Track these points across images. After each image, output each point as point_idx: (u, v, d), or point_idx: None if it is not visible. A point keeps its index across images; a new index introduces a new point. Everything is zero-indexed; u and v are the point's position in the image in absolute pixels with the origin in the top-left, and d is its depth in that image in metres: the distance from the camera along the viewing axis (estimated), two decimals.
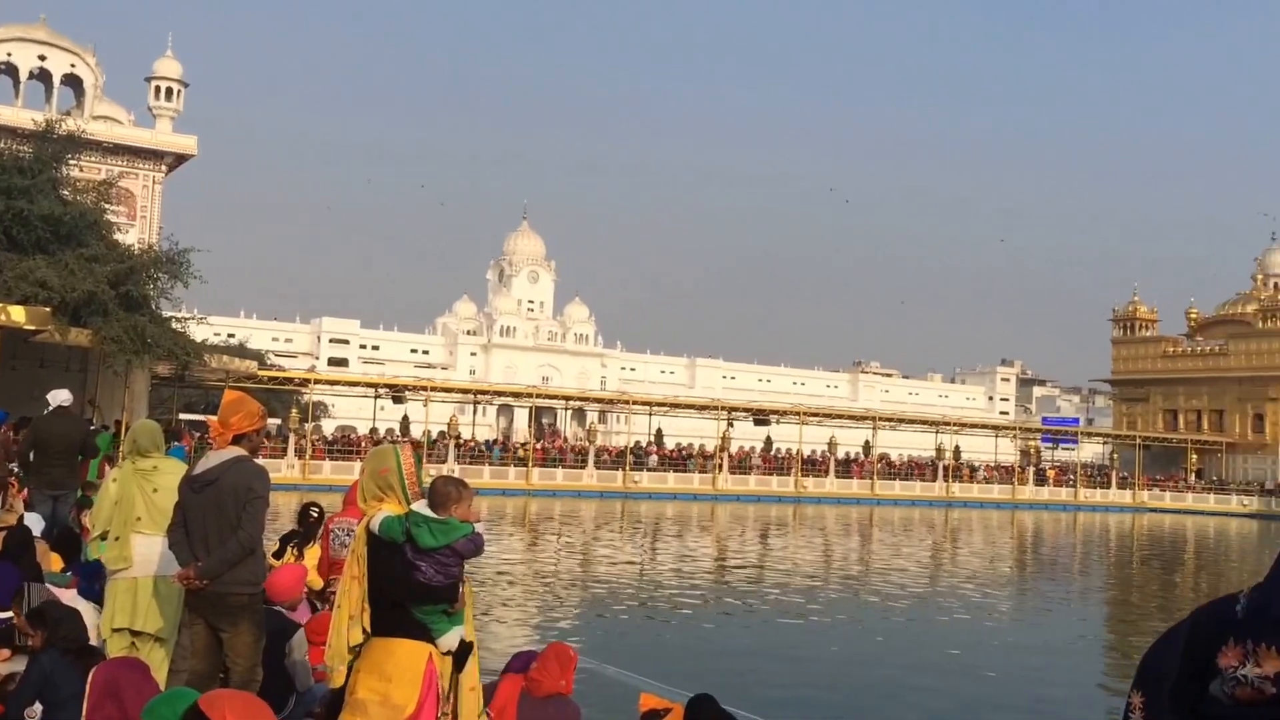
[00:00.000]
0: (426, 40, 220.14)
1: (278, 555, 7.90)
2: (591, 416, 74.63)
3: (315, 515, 8.27)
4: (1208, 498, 64.86)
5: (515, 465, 49.26)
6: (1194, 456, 69.37)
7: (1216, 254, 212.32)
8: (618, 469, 50.78)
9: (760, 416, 58.29)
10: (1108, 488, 64.49)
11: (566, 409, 65.35)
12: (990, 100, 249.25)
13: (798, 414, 57.76)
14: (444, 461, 46.82)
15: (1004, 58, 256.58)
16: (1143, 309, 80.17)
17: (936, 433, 61.88)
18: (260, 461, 5.45)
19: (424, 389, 51.75)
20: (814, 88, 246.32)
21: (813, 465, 56.16)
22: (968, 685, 12.53)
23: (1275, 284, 79.76)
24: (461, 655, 4.21)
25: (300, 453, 45.24)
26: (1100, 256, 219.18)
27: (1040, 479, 62.73)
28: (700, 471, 52.91)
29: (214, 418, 5.40)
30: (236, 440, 5.16)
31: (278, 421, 50.36)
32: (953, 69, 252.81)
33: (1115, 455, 72.00)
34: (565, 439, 60.02)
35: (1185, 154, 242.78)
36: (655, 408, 58.27)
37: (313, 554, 7.82)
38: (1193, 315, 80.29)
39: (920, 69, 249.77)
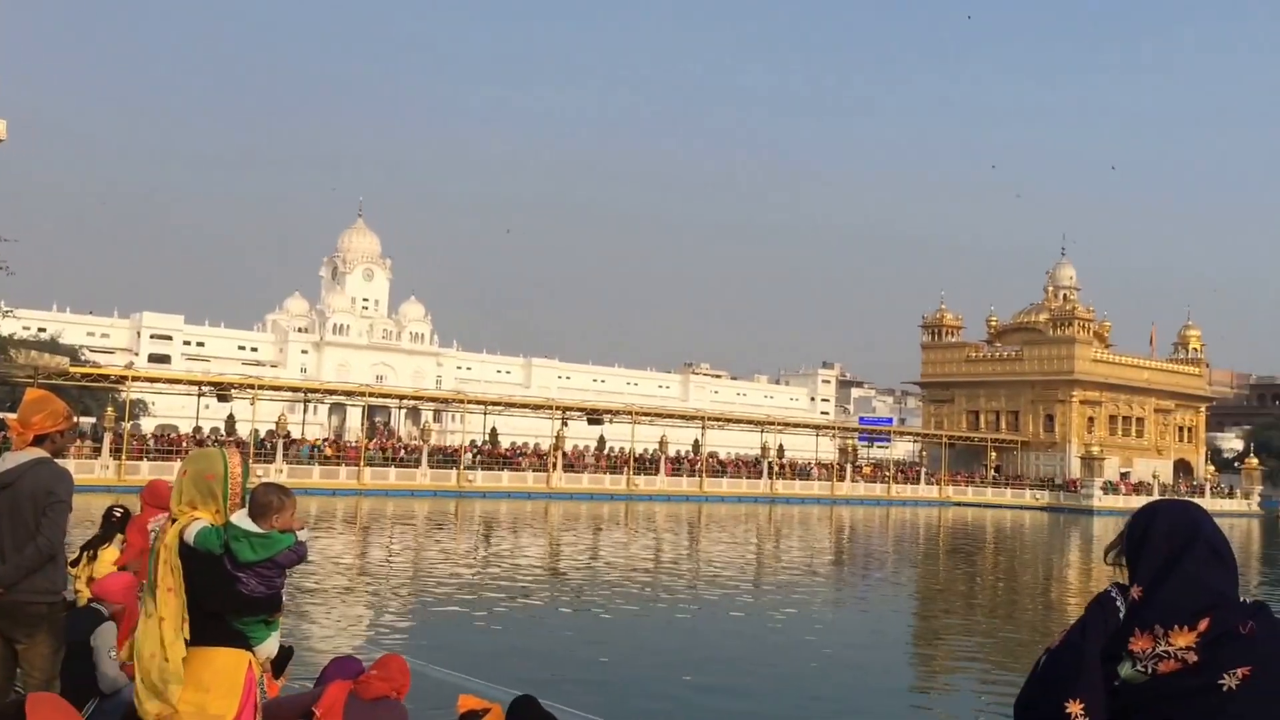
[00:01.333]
0: (258, 33, 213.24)
1: (74, 564, 6.95)
2: (426, 416, 74.80)
3: (119, 516, 7.61)
4: (1005, 492, 70.01)
5: (346, 465, 49.22)
6: (993, 454, 74.68)
7: (1014, 266, 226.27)
8: (452, 468, 51.51)
9: (594, 416, 59.93)
10: (917, 483, 68.89)
11: (401, 408, 65.43)
12: (809, 108, 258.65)
13: (630, 414, 59.59)
14: (271, 461, 46.46)
15: (812, 69, 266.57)
16: (949, 316, 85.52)
17: (762, 432, 64.87)
18: (68, 463, 5.25)
19: (251, 387, 50.98)
20: (642, 90, 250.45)
21: (645, 464, 58.19)
22: (790, 676, 13.27)
23: (1064, 295, 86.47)
24: (281, 662, 4.16)
25: (116, 453, 43.86)
26: (913, 266, 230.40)
27: (856, 475, 66.60)
28: (534, 470, 54.13)
29: (14, 416, 5.12)
30: (38, 441, 4.83)
31: (92, 420, 48.91)
32: (773, 78, 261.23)
33: (924, 453, 76.73)
34: (399, 438, 60.24)
35: (988, 171, 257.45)
36: (491, 407, 59.13)
37: (109, 555, 7.27)
38: (993, 323, 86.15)
39: (735, 77, 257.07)
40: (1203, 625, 1.86)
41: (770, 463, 61.95)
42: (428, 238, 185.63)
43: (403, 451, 53.55)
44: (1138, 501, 67.11)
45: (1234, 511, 69.36)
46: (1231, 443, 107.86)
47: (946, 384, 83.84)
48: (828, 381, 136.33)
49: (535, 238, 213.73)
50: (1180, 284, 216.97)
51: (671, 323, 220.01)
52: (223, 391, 51.08)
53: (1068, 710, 1.90)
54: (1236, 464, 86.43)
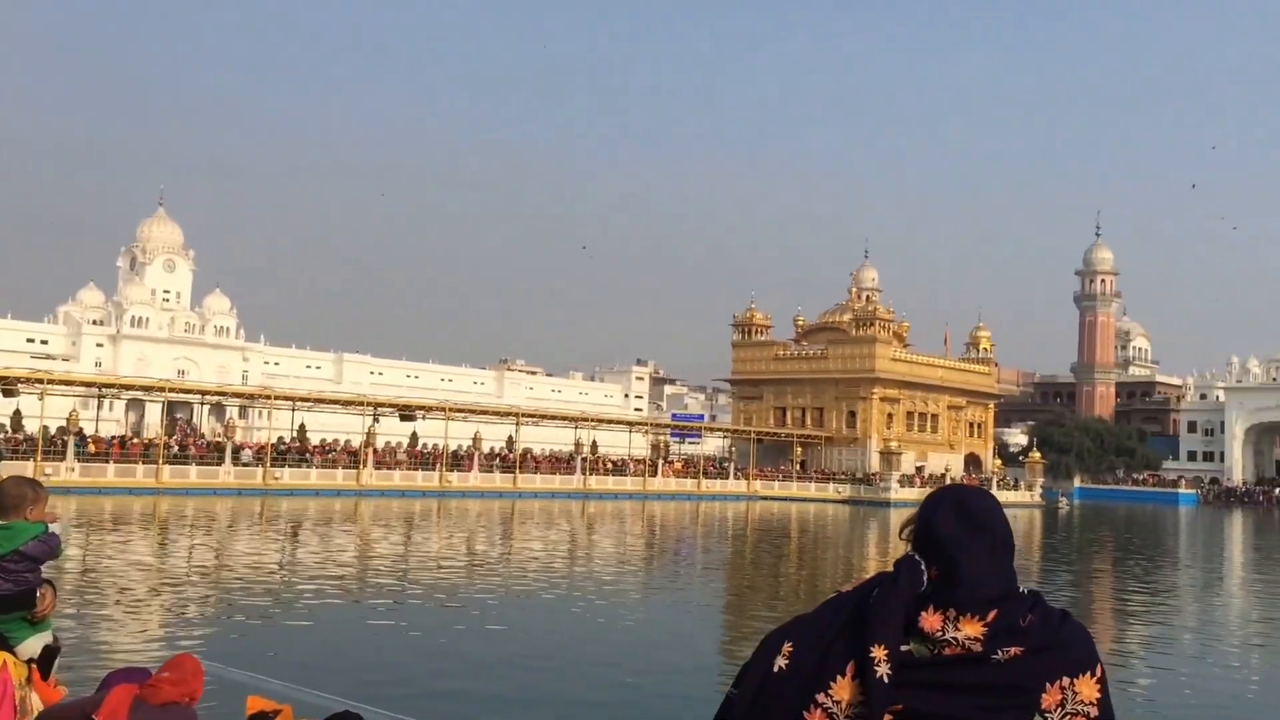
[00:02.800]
0: (56, 16, 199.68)
1: None
2: (231, 412, 71.84)
3: None
4: (809, 486, 72.58)
5: (144, 463, 46.98)
6: (799, 449, 77.32)
7: (821, 267, 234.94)
8: (258, 465, 49.81)
9: (406, 412, 58.94)
10: (726, 478, 70.65)
11: (204, 404, 62.66)
12: (623, 104, 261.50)
13: (444, 410, 58.90)
14: (63, 459, 44.29)
15: (627, 62, 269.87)
16: (758, 316, 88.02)
17: (576, 428, 65.22)
18: None
19: (40, 381, 47.94)
20: (459, 82, 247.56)
21: (458, 460, 57.62)
22: (596, 668, 13.54)
23: (867, 296, 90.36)
24: (46, 661, 4.03)
25: None
26: (725, 266, 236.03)
27: (668, 470, 67.80)
28: (344, 467, 52.86)
29: None
30: None
31: None
32: (584, 71, 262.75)
33: (733, 448, 78.75)
34: (202, 435, 57.69)
35: (799, 171, 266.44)
36: (299, 403, 57.36)
37: None
38: (800, 322, 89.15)
39: (549, 71, 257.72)
40: (991, 616, 1.94)
41: (584, 459, 62.34)
42: (234, 229, 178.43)
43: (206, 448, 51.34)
44: None
45: (1018, 502, 74.08)
46: (1017, 438, 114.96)
47: (755, 381, 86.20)
48: (641, 379, 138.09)
49: (348, 231, 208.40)
50: (972, 286, 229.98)
51: (488, 319, 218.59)
52: (8, 386, 47.77)
53: (872, 654, 1.94)
54: (1021, 458, 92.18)
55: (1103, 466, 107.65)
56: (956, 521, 2.05)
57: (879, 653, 1.93)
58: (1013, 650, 1.91)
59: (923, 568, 2.02)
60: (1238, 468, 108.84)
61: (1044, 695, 1.89)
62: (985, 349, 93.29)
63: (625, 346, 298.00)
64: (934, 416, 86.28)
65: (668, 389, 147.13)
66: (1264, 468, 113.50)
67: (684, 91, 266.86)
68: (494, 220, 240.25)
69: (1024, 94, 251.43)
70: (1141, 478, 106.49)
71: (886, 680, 1.91)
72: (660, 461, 68.80)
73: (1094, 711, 1.89)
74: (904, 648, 1.95)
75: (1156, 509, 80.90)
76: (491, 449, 62.53)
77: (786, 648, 2.04)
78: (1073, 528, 55.77)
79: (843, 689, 1.95)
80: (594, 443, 66.12)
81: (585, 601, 19.31)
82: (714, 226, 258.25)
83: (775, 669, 2.02)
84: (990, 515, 2.09)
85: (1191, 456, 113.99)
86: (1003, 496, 74.93)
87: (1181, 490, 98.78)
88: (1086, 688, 1.90)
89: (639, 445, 72.34)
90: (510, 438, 64.00)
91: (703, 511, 54.38)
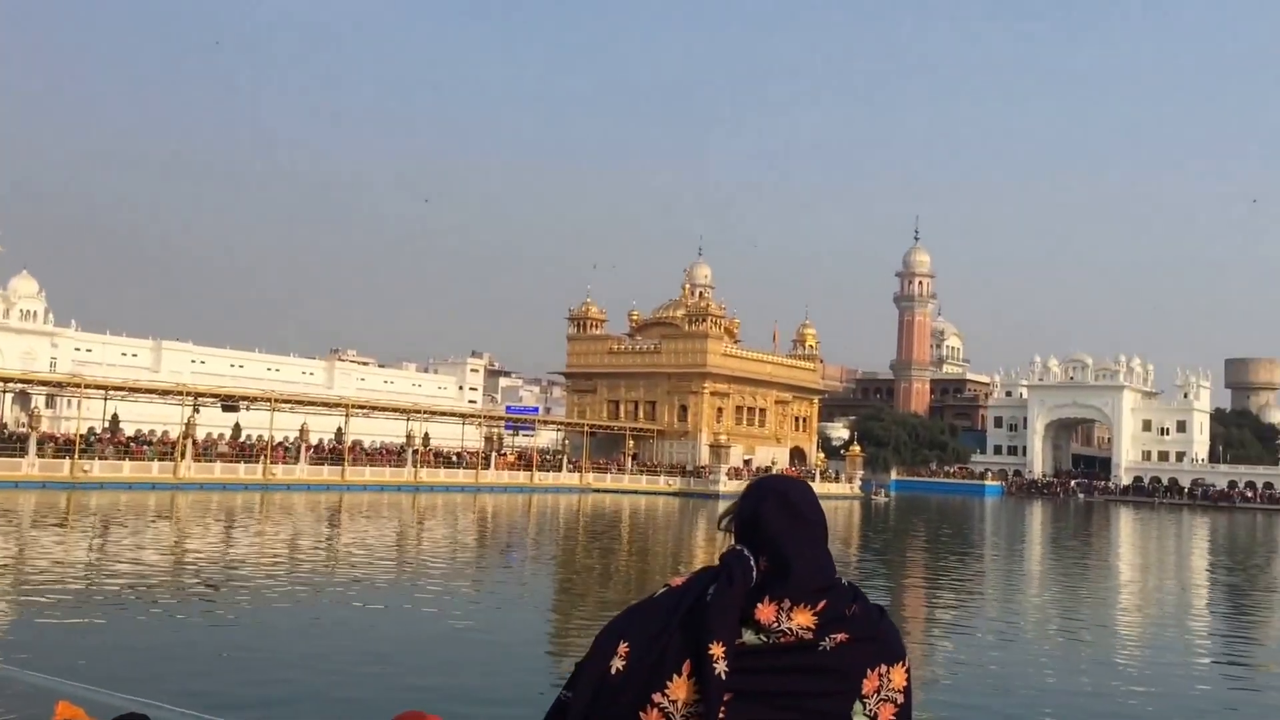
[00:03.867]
0: None
1: None
2: (37, 400, 67.74)
3: None
4: (641, 479, 73.56)
5: None
6: (631, 442, 78.21)
7: (656, 264, 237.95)
8: (65, 457, 47.27)
9: (229, 403, 56.83)
10: (559, 471, 70.87)
11: (6, 392, 58.85)
12: (458, 96, 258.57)
13: (269, 400, 57.11)
14: None
15: (463, 54, 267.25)
16: (594, 309, 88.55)
17: (408, 420, 64.26)
18: None
19: None
20: (290, 66, 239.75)
21: (284, 452, 55.94)
22: (421, 667, 13.46)
23: (700, 293, 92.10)
24: None
25: None
26: (561, 260, 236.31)
27: (501, 463, 67.55)
28: (161, 459, 50.68)
29: None
30: None
31: None
32: (413, 63, 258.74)
33: (567, 441, 79.04)
34: (4, 425, 54.24)
35: (633, 165, 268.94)
36: (112, 392, 54.62)
37: None
38: (634, 317, 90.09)
39: (382, 61, 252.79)
40: (820, 606, 2.03)
41: (415, 451, 61.53)
42: (44, 209, 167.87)
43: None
44: None
45: (839, 494, 76.87)
46: (839, 431, 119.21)
47: (590, 375, 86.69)
48: (476, 370, 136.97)
49: (168, 215, 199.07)
50: (801, 285, 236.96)
51: (318, 309, 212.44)
52: None
53: (710, 651, 1.97)
54: (842, 451, 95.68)
55: (917, 459, 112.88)
56: (782, 514, 2.13)
57: (717, 650, 1.98)
58: (839, 637, 2.03)
59: (751, 561, 2.09)
60: (1038, 461, 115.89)
61: (865, 681, 2.02)
62: (811, 346, 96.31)
63: (461, 338, 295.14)
64: (762, 411, 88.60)
65: (503, 381, 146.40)
66: (1061, 460, 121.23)
67: (522, 80, 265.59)
68: (324, 207, 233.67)
69: (851, 94, 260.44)
70: (952, 470, 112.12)
71: (724, 678, 1.97)
72: (494, 454, 68.48)
73: (901, 699, 2.04)
74: (739, 640, 2.02)
75: (965, 500, 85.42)
76: (320, 441, 60.95)
77: (622, 648, 2.06)
78: (889, 518, 58.33)
79: (679, 688, 2.00)
80: (426, 435, 65.23)
81: (411, 598, 19.19)
82: (551, 220, 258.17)
83: (612, 671, 2.06)
84: (812, 507, 2.18)
85: (998, 450, 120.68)
86: (824, 489, 77.74)
87: (988, 482, 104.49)
88: (898, 676, 2.05)
89: (472, 437, 71.78)
90: (339, 429, 62.50)
91: (535, 504, 54.48)
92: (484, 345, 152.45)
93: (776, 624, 2.03)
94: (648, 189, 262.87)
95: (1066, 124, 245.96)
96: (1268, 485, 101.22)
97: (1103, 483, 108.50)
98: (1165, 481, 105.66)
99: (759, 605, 2.04)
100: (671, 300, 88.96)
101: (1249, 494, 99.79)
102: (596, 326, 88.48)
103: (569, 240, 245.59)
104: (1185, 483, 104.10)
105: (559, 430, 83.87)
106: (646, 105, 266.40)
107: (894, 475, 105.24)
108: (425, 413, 67.30)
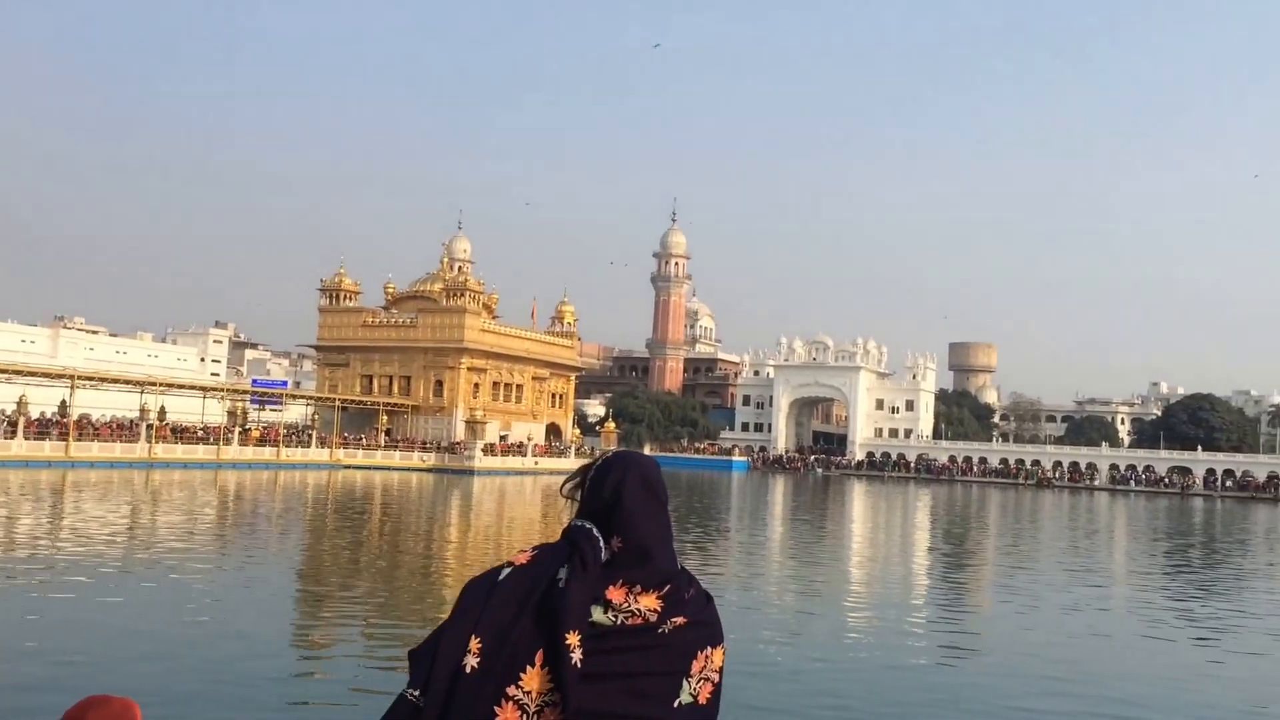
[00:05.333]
0: None
1: None
2: None
3: None
4: (394, 454, 72.15)
5: None
6: (385, 417, 76.60)
7: (414, 236, 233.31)
8: None
9: None
10: (308, 447, 68.50)
11: None
12: (229, 56, 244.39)
13: None
14: None
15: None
16: (348, 281, 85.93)
17: (142, 392, 60.40)
18: None
19: None
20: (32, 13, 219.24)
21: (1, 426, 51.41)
22: (164, 649, 13.09)
23: (459, 267, 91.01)
24: None
25: None
26: (314, 229, 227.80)
27: (245, 438, 64.63)
28: None
29: None
30: None
31: None
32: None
33: (317, 416, 76.52)
34: None
35: (388, 141, 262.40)
36: None
37: None
38: (390, 290, 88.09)
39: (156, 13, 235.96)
40: (665, 590, 2.12)
41: (150, 425, 57.90)
42: None
43: None
44: (513, 462, 73.54)
45: None
46: (595, 408, 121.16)
47: (342, 348, 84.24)
48: (220, 342, 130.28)
49: None
50: (560, 262, 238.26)
51: (42, 272, 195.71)
52: None
53: (567, 641, 1.99)
54: (598, 427, 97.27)
55: (670, 436, 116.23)
56: (644, 497, 2.17)
57: (573, 639, 2.01)
58: (678, 620, 2.12)
59: (601, 542, 2.12)
60: (782, 437, 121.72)
61: (694, 661, 2.12)
62: (570, 323, 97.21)
63: (204, 307, 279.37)
64: (519, 387, 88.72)
65: (249, 353, 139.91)
66: (803, 437, 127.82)
67: (293, 45, 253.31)
68: (49, 159, 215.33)
69: (613, 75, 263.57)
70: (702, 446, 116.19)
71: (579, 666, 2.00)
72: (237, 429, 65.35)
73: (717, 678, 2.16)
74: (590, 619, 2.05)
75: (714, 475, 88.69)
76: (42, 414, 56.38)
77: (475, 644, 2.03)
78: None
79: (533, 678, 2.01)
80: (163, 409, 61.46)
81: (140, 583, 18.14)
82: (302, 187, 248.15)
83: (467, 669, 2.03)
84: (664, 490, 2.23)
85: (745, 427, 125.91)
86: (578, 465, 78.65)
87: (735, 458, 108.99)
88: (718, 657, 2.17)
89: (214, 412, 68.21)
90: (64, 402, 58.01)
91: (282, 481, 52.46)
92: (229, 316, 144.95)
93: (625, 604, 2.08)
94: (406, 159, 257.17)
95: (816, 107, 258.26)
96: (982, 460, 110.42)
97: (840, 458, 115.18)
98: (894, 456, 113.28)
99: (610, 587, 2.09)
100: (429, 273, 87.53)
101: (966, 468, 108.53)
102: (351, 298, 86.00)
103: (323, 209, 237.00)
104: (911, 458, 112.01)
105: (309, 405, 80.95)
106: (400, 73, 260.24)
107: (647, 451, 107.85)
108: (161, 385, 63.40)
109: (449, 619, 2.11)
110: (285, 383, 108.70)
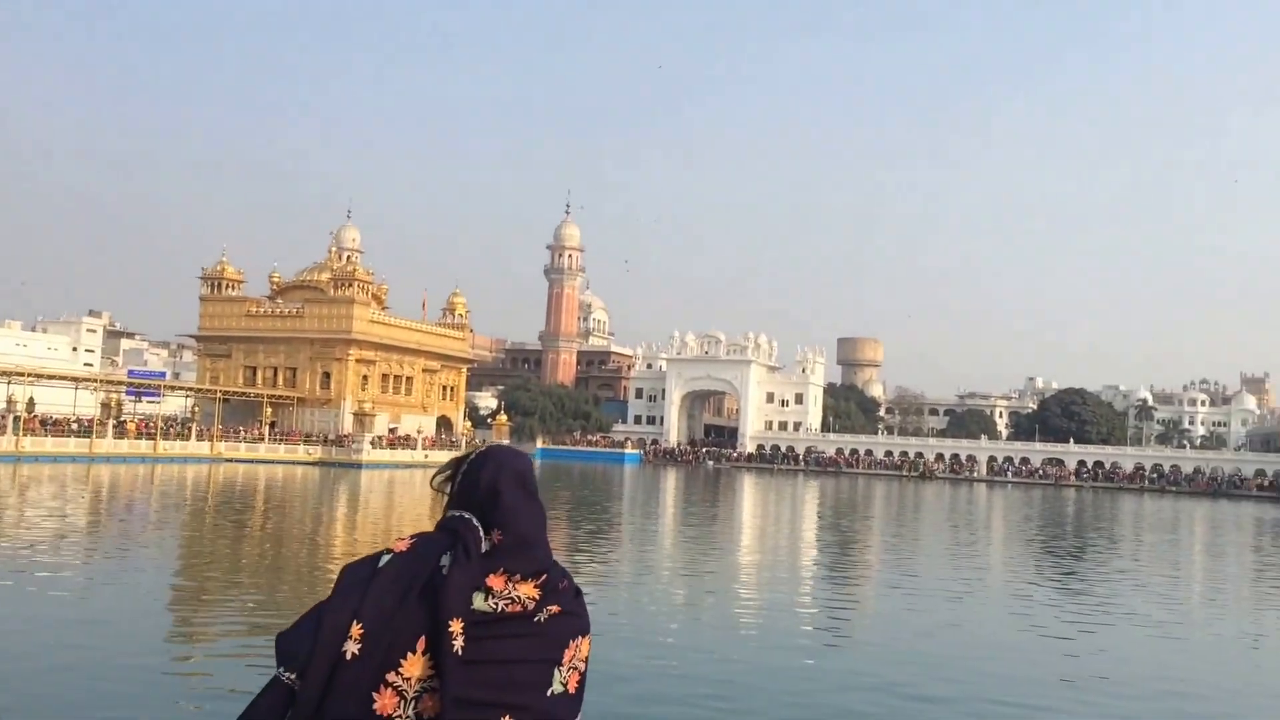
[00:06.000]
0: None
1: None
2: None
3: None
4: (279, 448, 70.46)
5: None
6: (269, 410, 74.71)
7: (302, 226, 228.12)
8: None
9: None
10: (188, 440, 66.42)
11: None
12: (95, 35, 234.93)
13: None
14: None
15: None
16: (230, 270, 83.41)
17: (9, 383, 57.79)
18: None
19: None
20: None
21: None
22: (25, 661, 12.65)
23: (348, 256, 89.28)
24: None
25: None
26: (196, 217, 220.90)
27: (120, 431, 62.32)
28: None
29: None
30: None
31: None
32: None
33: (197, 408, 74.25)
34: None
35: (273, 132, 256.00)
36: None
37: None
38: (275, 279, 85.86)
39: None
40: (543, 579, 2.18)
41: (17, 417, 55.43)
42: None
43: None
44: (403, 455, 72.48)
45: None
46: (488, 401, 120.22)
47: (225, 339, 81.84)
48: (94, 331, 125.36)
49: None
50: (453, 254, 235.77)
51: None
52: None
53: (450, 628, 2.02)
54: (490, 420, 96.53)
55: (563, 429, 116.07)
56: (520, 493, 2.23)
57: (456, 626, 2.04)
58: (553, 609, 2.17)
59: (481, 531, 2.17)
60: (674, 430, 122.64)
61: (565, 650, 2.17)
62: (461, 315, 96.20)
63: (77, 296, 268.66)
64: (409, 379, 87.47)
65: (125, 343, 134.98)
66: (695, 430, 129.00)
67: (151, 26, 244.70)
68: None
69: (512, 56, 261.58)
70: (595, 439, 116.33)
71: (460, 654, 2.02)
72: (111, 421, 62.97)
73: (583, 667, 2.21)
74: (472, 606, 2.09)
75: (606, 468, 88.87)
76: None
77: (356, 629, 2.05)
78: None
79: (413, 665, 2.03)
80: (31, 400, 58.92)
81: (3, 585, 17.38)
82: (184, 175, 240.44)
83: (347, 655, 2.04)
84: (536, 485, 2.30)
85: (638, 420, 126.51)
86: (450, 458, 77.99)
87: (628, 451, 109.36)
88: (585, 646, 2.23)
89: (87, 403, 65.67)
90: None
91: (159, 476, 50.74)
92: (104, 304, 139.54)
93: (505, 592, 2.13)
94: (290, 146, 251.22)
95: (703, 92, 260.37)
96: (869, 452, 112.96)
97: (731, 451, 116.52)
98: (784, 449, 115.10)
99: (491, 575, 2.14)
100: (317, 263, 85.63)
101: (853, 460, 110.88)
102: (234, 287, 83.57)
103: (205, 197, 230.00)
104: (800, 450, 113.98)
105: (188, 396, 78.49)
106: (294, 59, 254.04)
107: (539, 444, 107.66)
108: (29, 375, 60.75)
109: (327, 601, 2.14)
110: (164, 373, 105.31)
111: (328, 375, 79.89)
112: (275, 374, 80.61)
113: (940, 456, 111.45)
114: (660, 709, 10.82)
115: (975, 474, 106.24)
